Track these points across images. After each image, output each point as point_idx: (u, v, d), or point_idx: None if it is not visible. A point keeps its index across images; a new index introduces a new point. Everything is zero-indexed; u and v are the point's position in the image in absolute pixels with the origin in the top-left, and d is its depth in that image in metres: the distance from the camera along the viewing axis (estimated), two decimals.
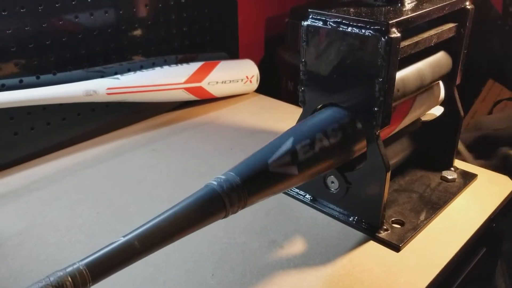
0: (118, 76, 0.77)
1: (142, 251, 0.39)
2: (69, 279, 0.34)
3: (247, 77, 0.93)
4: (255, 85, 0.95)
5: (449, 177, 0.65)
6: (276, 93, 1.01)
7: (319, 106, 0.56)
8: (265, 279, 0.50)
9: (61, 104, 0.74)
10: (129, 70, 0.82)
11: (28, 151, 0.74)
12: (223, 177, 0.44)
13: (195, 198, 0.42)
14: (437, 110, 0.65)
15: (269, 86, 1.01)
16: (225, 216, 0.43)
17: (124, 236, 0.38)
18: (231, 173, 0.45)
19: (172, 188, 0.66)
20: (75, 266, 0.35)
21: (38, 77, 0.73)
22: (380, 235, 0.55)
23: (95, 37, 0.77)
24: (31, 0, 0.68)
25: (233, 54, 1.00)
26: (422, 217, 0.58)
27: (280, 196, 0.63)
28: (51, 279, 0.34)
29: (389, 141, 0.62)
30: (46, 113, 0.75)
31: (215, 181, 0.44)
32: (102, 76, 0.78)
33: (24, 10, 0.68)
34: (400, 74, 0.54)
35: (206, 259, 0.53)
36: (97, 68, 0.79)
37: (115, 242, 0.38)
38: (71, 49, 0.75)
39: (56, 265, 0.52)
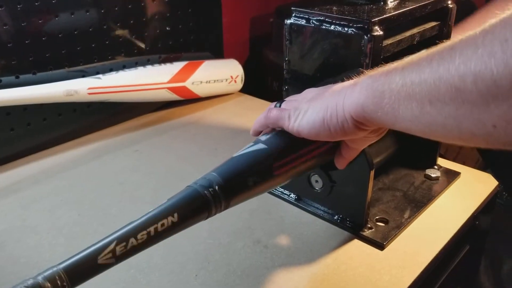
0: (100, 75, 0.76)
1: (123, 254, 0.38)
2: (47, 283, 0.33)
3: (231, 77, 0.92)
4: (239, 85, 0.95)
5: (433, 175, 0.65)
6: (261, 93, 1.00)
7: None
8: (249, 279, 0.50)
9: (41, 105, 0.73)
10: (111, 70, 0.81)
11: (8, 153, 0.72)
12: (205, 178, 0.44)
13: (176, 199, 0.41)
14: None
15: (254, 86, 1.01)
16: (208, 217, 0.43)
17: (104, 238, 0.38)
18: (214, 173, 0.44)
19: (155, 190, 0.66)
20: (53, 270, 0.35)
21: (17, 77, 0.71)
22: (364, 233, 0.55)
23: (76, 36, 0.76)
24: None
25: (218, 53, 1.00)
26: (406, 215, 0.58)
27: (265, 196, 0.62)
28: (28, 283, 0.33)
29: None
30: (26, 114, 0.73)
31: (197, 182, 0.43)
32: (83, 76, 0.76)
33: (2, 8, 0.67)
34: None
35: (189, 260, 0.52)
36: (78, 68, 0.77)
37: (95, 244, 0.37)
38: (52, 49, 0.74)
39: (36, 268, 0.51)
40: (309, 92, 0.48)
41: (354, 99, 0.39)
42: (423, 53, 0.34)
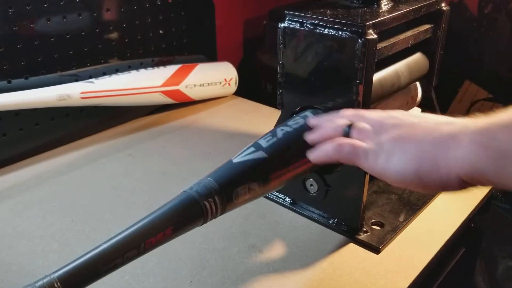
0: (93, 80, 0.75)
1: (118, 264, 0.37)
2: None
3: (225, 79, 0.92)
4: (233, 87, 0.94)
5: None
6: (255, 95, 1.00)
7: (297, 109, 0.56)
8: (244, 284, 0.49)
9: (34, 109, 0.72)
10: (104, 74, 0.80)
11: (0, 158, 0.72)
12: (200, 183, 0.43)
13: (172, 205, 0.41)
14: (415, 112, 0.65)
15: (248, 89, 1.00)
16: (203, 223, 0.42)
17: (98, 246, 0.37)
18: (209, 178, 0.44)
19: (149, 195, 0.65)
20: (46, 280, 0.34)
21: (9, 82, 0.70)
22: (360, 237, 0.55)
23: (68, 40, 0.75)
24: (0, 3, 0.66)
25: (211, 56, 0.99)
26: (401, 218, 0.58)
27: (260, 200, 0.62)
28: None
29: None
30: (19, 119, 0.73)
31: (192, 187, 0.43)
32: (76, 80, 0.76)
33: None
34: (377, 76, 0.53)
35: (184, 266, 0.52)
36: (71, 72, 0.77)
37: (89, 252, 0.37)
38: (44, 53, 0.73)
39: (29, 275, 0.50)
40: (390, 119, 0.41)
41: (463, 158, 0.35)
42: None
